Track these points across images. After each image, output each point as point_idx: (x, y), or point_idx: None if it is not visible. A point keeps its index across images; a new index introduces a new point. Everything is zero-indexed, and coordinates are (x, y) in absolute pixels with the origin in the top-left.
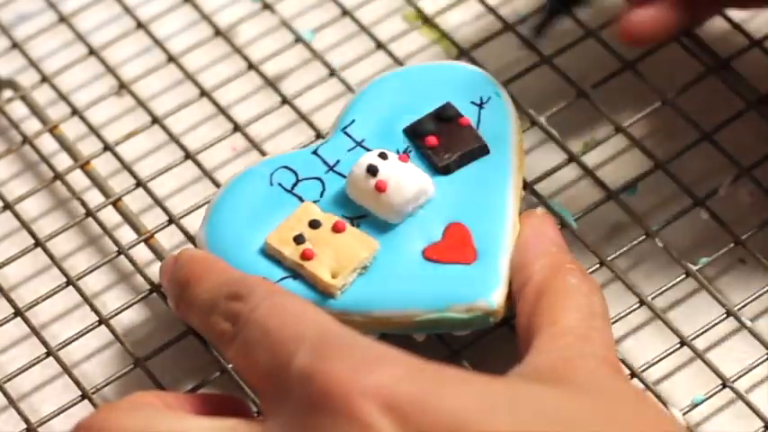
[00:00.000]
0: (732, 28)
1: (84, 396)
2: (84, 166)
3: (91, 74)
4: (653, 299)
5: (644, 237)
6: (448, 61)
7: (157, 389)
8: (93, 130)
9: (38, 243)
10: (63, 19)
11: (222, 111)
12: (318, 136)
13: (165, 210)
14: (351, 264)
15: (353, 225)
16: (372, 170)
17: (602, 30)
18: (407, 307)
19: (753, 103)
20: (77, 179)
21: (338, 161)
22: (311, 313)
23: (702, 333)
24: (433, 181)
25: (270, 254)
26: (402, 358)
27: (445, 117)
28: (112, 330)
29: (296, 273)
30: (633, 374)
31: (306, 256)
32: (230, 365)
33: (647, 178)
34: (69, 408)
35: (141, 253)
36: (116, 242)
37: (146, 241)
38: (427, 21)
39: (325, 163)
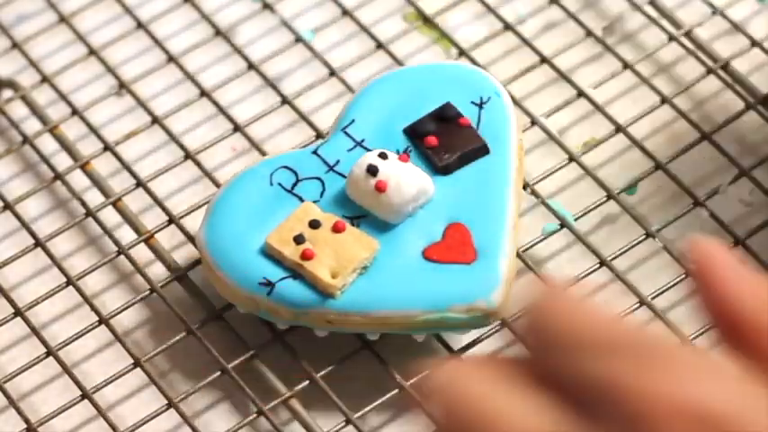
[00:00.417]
0: (732, 28)
1: (85, 396)
2: (84, 166)
3: (91, 74)
4: (653, 299)
5: (644, 237)
6: (448, 61)
7: (157, 389)
8: (93, 130)
9: (38, 243)
10: (63, 19)
11: (222, 111)
12: (318, 136)
13: (165, 210)
14: (351, 264)
15: (353, 225)
16: (372, 170)
17: (604, 30)
18: (407, 307)
19: (753, 103)
20: (77, 179)
21: (338, 161)
22: None
23: (703, 333)
24: (432, 181)
25: (270, 254)
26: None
27: (445, 117)
28: (112, 330)
29: (296, 273)
30: None
31: (306, 256)
32: (230, 365)
33: (647, 178)
34: (69, 408)
35: (141, 253)
36: (116, 242)
37: (146, 241)
38: (427, 21)
39: (325, 163)
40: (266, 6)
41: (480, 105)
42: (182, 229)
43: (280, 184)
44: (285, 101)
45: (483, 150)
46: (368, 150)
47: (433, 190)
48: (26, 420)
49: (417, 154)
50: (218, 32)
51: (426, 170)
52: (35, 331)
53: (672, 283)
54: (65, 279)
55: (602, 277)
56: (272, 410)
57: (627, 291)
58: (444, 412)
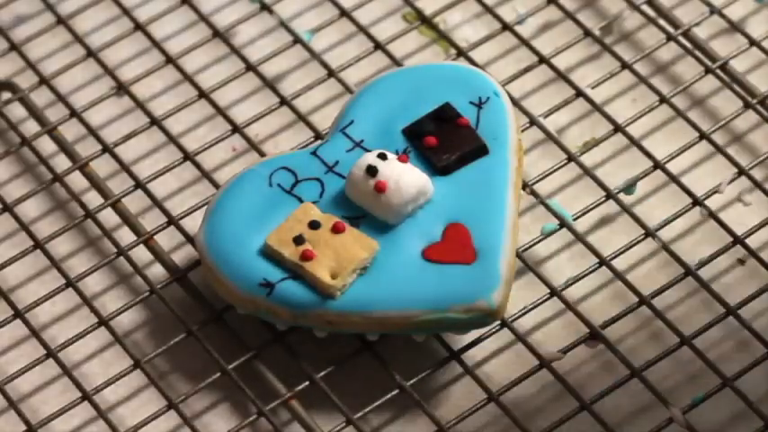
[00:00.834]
0: (730, 27)
1: (85, 397)
2: (83, 167)
3: (89, 75)
4: (652, 299)
5: (644, 237)
6: (447, 61)
7: (157, 390)
8: (92, 132)
9: (37, 245)
10: (61, 20)
11: (221, 111)
12: (317, 136)
13: (164, 211)
14: (350, 264)
15: (353, 225)
16: (372, 171)
17: (602, 30)
18: (407, 307)
19: (753, 103)
20: (76, 181)
21: (337, 162)
22: None
23: (702, 333)
24: (432, 181)
25: (269, 255)
26: None
27: (444, 117)
28: (112, 331)
29: (296, 273)
30: (633, 374)
31: (305, 256)
32: (230, 366)
33: (646, 178)
34: (69, 409)
35: (141, 254)
36: (115, 243)
37: (145, 242)
38: (426, 21)
39: (324, 163)
40: (264, 7)
41: (479, 105)
42: (181, 230)
43: (279, 185)
44: (284, 101)
45: (482, 150)
46: (367, 151)
47: (432, 190)
48: (26, 422)
49: (416, 154)
50: (217, 33)
51: (426, 170)
52: (35, 333)
53: (671, 283)
54: (64, 280)
55: (602, 277)
56: (272, 411)
57: (627, 291)
58: None
